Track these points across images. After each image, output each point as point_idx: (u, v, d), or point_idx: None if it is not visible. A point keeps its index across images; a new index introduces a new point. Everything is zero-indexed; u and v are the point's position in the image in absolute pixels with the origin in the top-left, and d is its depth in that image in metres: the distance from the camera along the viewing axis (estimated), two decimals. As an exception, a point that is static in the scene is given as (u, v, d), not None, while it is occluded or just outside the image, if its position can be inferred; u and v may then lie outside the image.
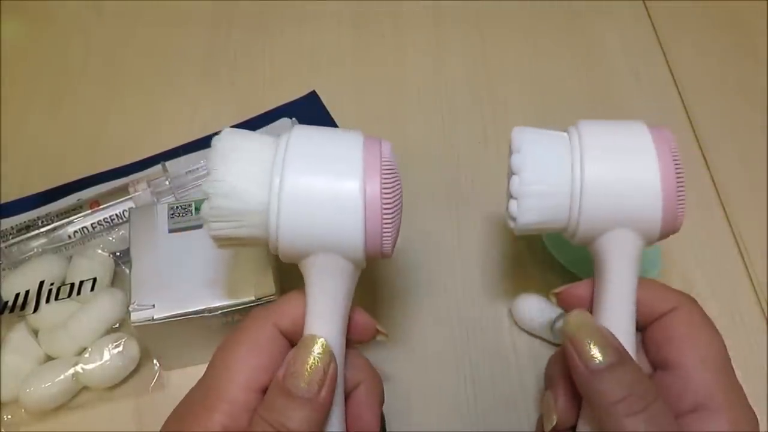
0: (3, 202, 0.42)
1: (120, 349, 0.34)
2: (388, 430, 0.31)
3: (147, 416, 0.35)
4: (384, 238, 0.26)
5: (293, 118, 0.45)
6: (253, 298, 0.32)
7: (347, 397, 0.27)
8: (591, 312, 0.28)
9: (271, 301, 0.32)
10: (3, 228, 0.40)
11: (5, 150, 0.45)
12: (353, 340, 0.28)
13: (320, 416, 0.24)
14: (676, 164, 0.27)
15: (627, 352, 0.25)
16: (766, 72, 0.50)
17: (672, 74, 0.50)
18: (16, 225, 0.40)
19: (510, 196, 0.28)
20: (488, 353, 0.37)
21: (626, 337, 0.26)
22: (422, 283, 0.40)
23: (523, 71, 0.50)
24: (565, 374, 0.27)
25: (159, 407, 0.35)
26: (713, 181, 0.44)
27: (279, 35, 0.52)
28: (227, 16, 0.53)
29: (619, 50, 0.51)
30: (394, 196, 0.26)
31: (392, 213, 0.26)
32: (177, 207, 0.35)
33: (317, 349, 0.24)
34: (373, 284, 0.40)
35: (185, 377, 0.35)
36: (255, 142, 0.26)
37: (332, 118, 0.46)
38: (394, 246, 0.27)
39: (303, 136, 0.26)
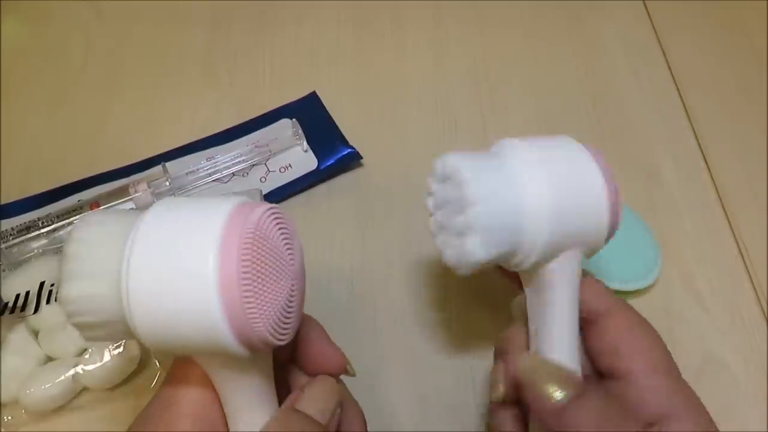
0: (3, 203, 0.42)
1: (120, 349, 0.34)
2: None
3: (147, 417, 0.35)
4: (252, 323, 0.20)
5: (293, 119, 0.45)
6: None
7: None
8: (535, 336, 0.28)
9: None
10: (3, 229, 0.40)
11: (5, 150, 0.45)
12: (318, 371, 0.27)
13: None
14: (613, 179, 0.26)
15: (582, 380, 0.25)
16: (766, 72, 0.50)
17: (672, 74, 0.50)
18: (17, 226, 0.40)
19: (450, 233, 0.26)
20: (488, 353, 0.37)
21: (574, 361, 0.26)
22: (422, 284, 0.40)
23: (523, 71, 0.50)
24: (515, 350, 0.28)
25: (159, 408, 0.35)
26: (713, 181, 0.44)
27: (279, 35, 0.52)
28: (227, 16, 0.53)
29: (619, 50, 0.51)
30: (258, 270, 0.21)
31: (257, 291, 0.21)
32: (177, 207, 0.35)
33: None
34: (373, 287, 0.40)
35: (186, 378, 0.36)
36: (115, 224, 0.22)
37: (332, 119, 0.46)
38: (286, 328, 0.22)
39: (155, 222, 0.21)
